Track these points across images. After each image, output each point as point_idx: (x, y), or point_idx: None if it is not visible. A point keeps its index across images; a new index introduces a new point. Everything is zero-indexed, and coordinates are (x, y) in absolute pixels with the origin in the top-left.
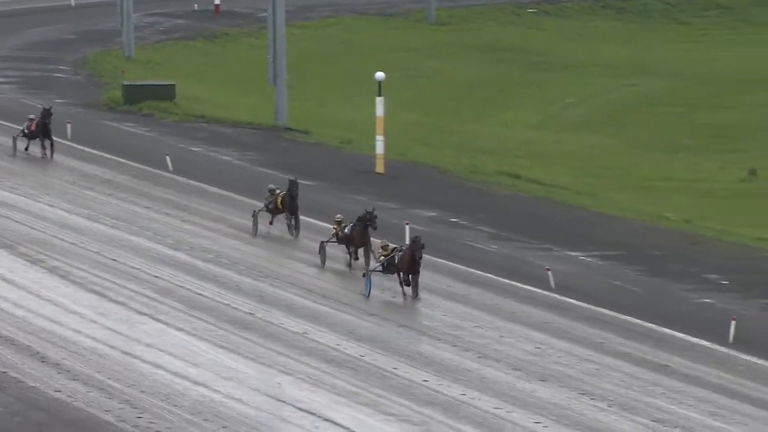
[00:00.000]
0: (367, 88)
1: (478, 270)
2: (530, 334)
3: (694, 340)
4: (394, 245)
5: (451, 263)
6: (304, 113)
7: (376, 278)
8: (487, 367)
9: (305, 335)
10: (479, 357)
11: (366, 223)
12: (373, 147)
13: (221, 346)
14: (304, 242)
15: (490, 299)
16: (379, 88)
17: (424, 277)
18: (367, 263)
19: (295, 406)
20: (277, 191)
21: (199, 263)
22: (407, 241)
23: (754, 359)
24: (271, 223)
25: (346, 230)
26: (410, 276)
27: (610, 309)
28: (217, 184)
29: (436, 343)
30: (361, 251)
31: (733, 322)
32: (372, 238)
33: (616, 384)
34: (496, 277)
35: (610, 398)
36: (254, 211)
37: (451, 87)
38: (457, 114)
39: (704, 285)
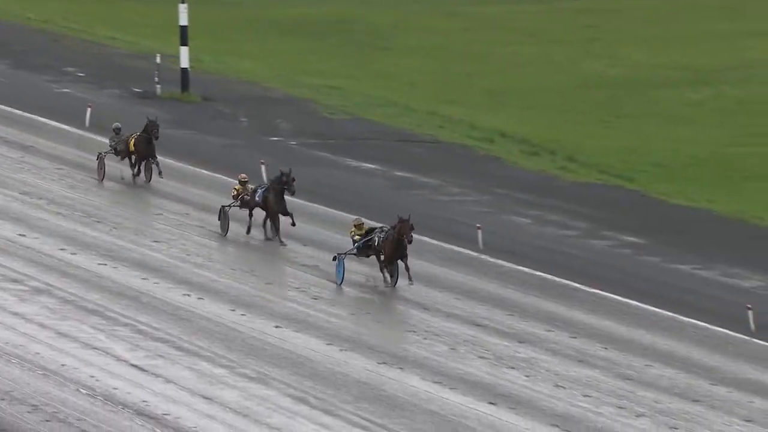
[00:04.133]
0: None
1: None
2: None
3: (56, 124)
4: (373, 225)
5: None
6: None
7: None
8: None
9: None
10: None
11: (283, 186)
12: None
13: None
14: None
15: None
16: None
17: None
18: (277, 232)
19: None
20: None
21: None
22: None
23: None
24: (137, 174)
25: (257, 197)
26: (396, 261)
27: None
28: None
29: None
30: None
31: (89, 110)
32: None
33: None
34: None
35: None
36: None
37: None
38: None
39: (64, 77)
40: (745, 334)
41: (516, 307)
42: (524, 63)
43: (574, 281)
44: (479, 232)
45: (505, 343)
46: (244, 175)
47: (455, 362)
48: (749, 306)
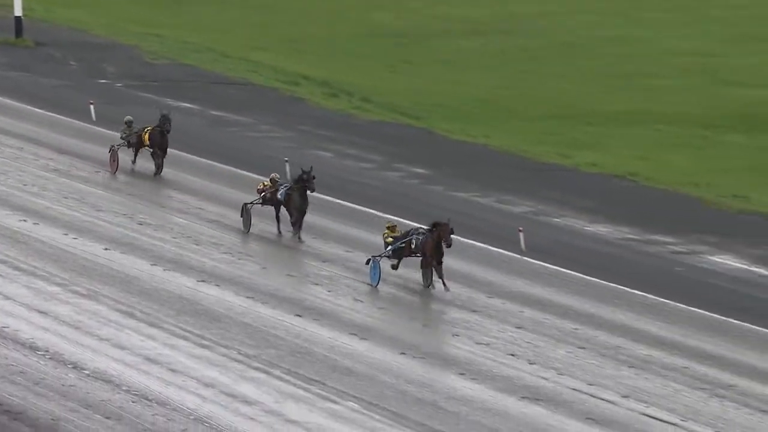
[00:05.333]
0: None
1: None
2: None
3: None
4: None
5: None
6: None
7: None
8: None
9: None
10: None
11: (305, 185)
12: None
13: None
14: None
15: None
16: None
17: None
18: (297, 232)
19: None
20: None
21: None
22: None
23: None
24: (134, 162)
25: (280, 194)
26: (433, 264)
27: None
28: None
29: None
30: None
31: None
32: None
33: None
34: None
35: None
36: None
37: None
38: None
39: None
40: (516, 253)
41: (317, 229)
42: (317, 13)
43: (371, 208)
44: (287, 164)
45: (313, 263)
46: (276, 175)
47: (266, 279)
48: (521, 228)
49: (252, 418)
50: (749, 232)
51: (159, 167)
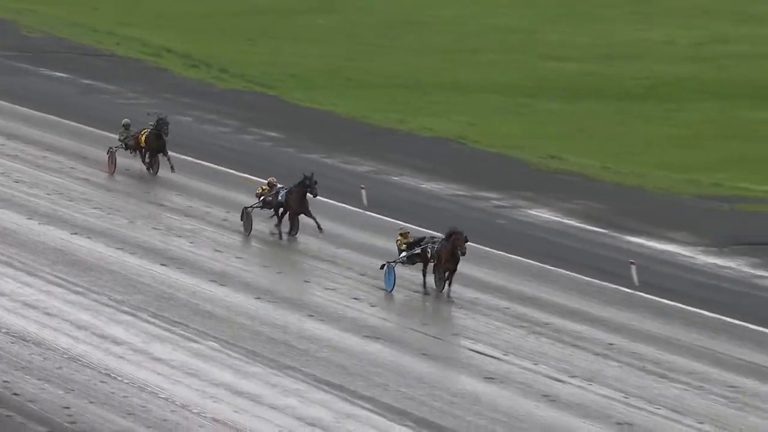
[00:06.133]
0: None
1: None
2: None
3: None
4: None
5: None
6: None
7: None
8: None
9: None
10: None
11: (306, 189)
12: None
13: None
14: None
15: None
16: None
17: None
18: (295, 232)
19: None
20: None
21: None
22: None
23: None
24: (148, 165)
25: (280, 197)
26: (446, 272)
27: None
28: None
29: None
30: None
31: None
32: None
33: None
34: None
35: None
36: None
37: None
38: None
39: None
40: (359, 208)
41: (179, 187)
42: None
43: (229, 168)
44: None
45: (176, 218)
46: (273, 179)
47: (134, 232)
48: (363, 186)
49: (121, 357)
50: (563, 189)
51: (156, 165)
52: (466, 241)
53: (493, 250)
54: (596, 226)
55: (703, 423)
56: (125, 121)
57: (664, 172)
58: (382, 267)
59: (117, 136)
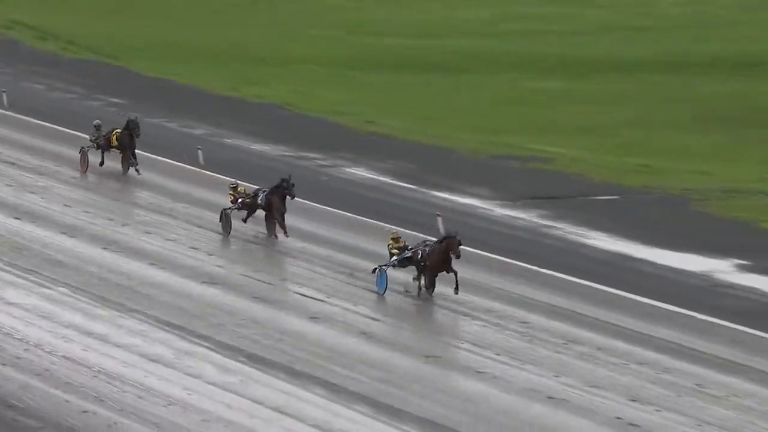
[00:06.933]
0: None
1: None
2: None
3: None
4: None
5: None
6: None
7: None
8: None
9: None
10: None
11: (284, 191)
12: None
13: None
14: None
15: None
16: None
17: None
18: (284, 228)
19: None
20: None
21: None
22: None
23: None
24: (101, 163)
25: (260, 200)
26: (437, 274)
27: None
28: None
29: None
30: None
31: None
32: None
33: None
34: None
35: None
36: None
37: None
38: None
39: None
40: (196, 167)
41: (29, 149)
42: None
43: (74, 130)
44: (4, 95)
45: (29, 176)
46: (233, 182)
47: None
48: (199, 147)
49: None
50: (378, 150)
51: (134, 165)
52: (460, 245)
53: (318, 205)
54: (407, 183)
55: (500, 355)
56: (96, 121)
57: (466, 135)
58: (374, 271)
59: (88, 137)
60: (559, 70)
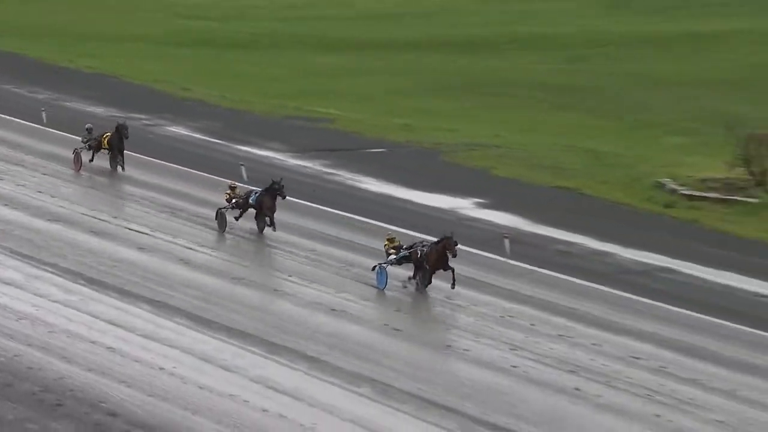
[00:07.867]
0: None
1: None
2: None
3: None
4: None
5: None
6: None
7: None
8: None
9: None
10: None
11: (276, 192)
12: None
13: None
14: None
15: None
16: None
17: None
18: (273, 225)
19: None
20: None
21: None
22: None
23: None
24: (91, 160)
25: (251, 200)
26: (435, 271)
27: None
28: None
29: None
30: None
31: None
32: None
33: None
34: None
35: None
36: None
37: None
38: None
39: None
40: (41, 125)
41: None
42: None
43: None
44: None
45: None
46: (232, 182)
47: None
48: (43, 108)
49: None
50: (192, 112)
51: (121, 164)
52: (456, 245)
53: (148, 157)
54: (216, 139)
55: (292, 276)
56: (88, 125)
57: (263, 99)
58: (374, 268)
59: (81, 138)
60: (340, 49)
